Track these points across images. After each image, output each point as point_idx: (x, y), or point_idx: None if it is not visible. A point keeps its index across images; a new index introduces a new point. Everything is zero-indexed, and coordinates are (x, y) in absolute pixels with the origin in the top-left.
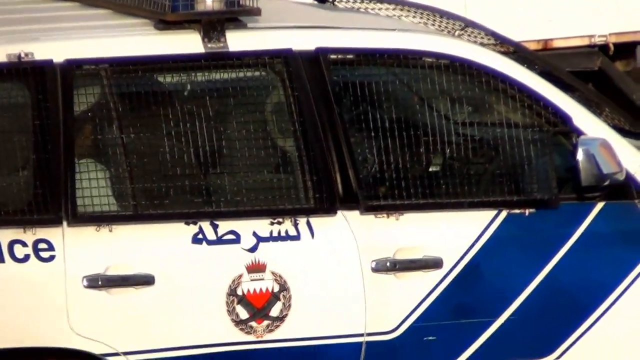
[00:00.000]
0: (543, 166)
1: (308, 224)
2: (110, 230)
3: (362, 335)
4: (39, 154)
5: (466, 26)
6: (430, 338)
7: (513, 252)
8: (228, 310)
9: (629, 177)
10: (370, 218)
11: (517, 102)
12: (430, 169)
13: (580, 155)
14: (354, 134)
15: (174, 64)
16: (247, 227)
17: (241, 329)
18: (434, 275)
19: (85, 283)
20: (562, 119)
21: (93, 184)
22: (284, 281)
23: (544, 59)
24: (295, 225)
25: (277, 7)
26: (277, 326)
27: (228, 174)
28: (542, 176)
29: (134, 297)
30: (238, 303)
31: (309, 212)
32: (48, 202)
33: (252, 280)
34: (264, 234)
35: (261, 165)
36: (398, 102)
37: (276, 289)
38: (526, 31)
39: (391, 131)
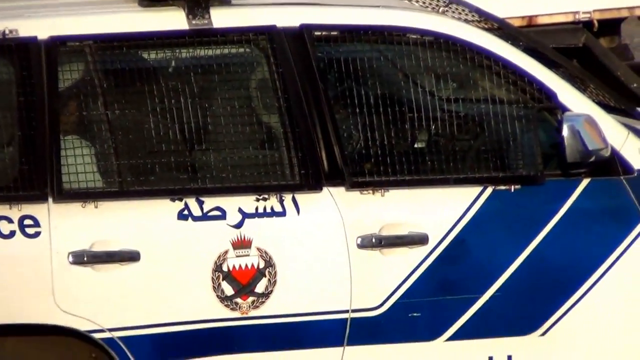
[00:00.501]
0: (528, 142)
1: (293, 200)
2: (96, 207)
3: (347, 311)
4: (24, 130)
5: (450, 3)
6: (415, 314)
7: (498, 228)
8: (213, 287)
9: (614, 153)
10: (355, 194)
11: (501, 78)
12: (416, 146)
13: (565, 132)
14: (338, 110)
15: (158, 41)
16: (232, 204)
17: (226, 305)
18: (420, 252)
19: (70, 259)
20: (546, 95)
21: (78, 161)
22: (270, 257)
23: (528, 36)
24: (281, 201)
25: None
26: (263, 302)
27: (213, 150)
28: (527, 152)
29: (120, 274)
30: (223, 279)
31: (294, 188)
32: (33, 178)
33: (237, 256)
34: (250, 210)
35: (246, 141)
36: (383, 79)
37: (262, 265)
38: (510, 8)
39: (376, 108)
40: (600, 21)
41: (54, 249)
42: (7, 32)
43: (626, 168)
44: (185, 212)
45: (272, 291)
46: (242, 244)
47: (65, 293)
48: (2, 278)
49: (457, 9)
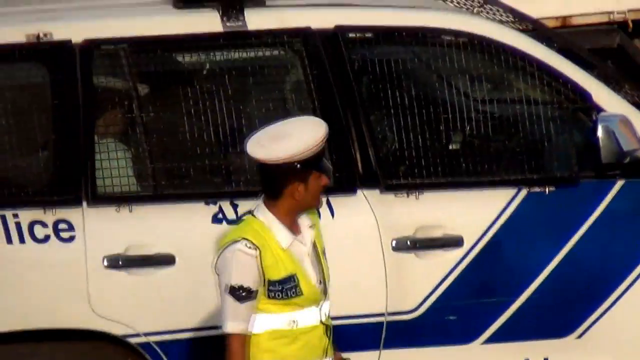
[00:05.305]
0: (563, 144)
1: (328, 203)
2: (130, 211)
3: (383, 315)
4: (58, 134)
5: (485, 3)
6: (452, 317)
7: (533, 230)
8: None
9: None
10: (390, 197)
11: (536, 79)
12: (450, 147)
13: (600, 132)
14: (373, 112)
15: (193, 43)
16: None
17: None
18: (454, 254)
19: (105, 263)
20: (581, 96)
21: (113, 164)
22: None
23: (563, 37)
24: None
25: None
26: None
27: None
28: (561, 154)
29: (155, 278)
30: None
31: (329, 191)
32: (68, 182)
33: None
34: None
35: None
36: (417, 80)
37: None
38: (545, 8)
39: (410, 109)
40: (634, 21)
41: (88, 253)
42: (41, 35)
43: None
44: (220, 215)
45: None
46: None
47: (100, 297)
48: (37, 283)
49: (491, 9)
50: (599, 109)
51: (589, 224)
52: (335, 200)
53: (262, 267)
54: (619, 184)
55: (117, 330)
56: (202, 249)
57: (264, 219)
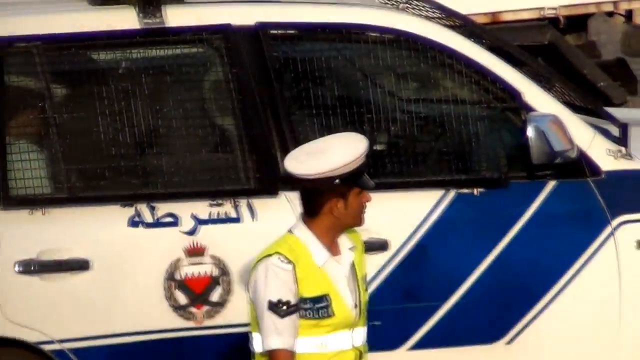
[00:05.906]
0: (492, 144)
1: (249, 205)
2: (44, 214)
3: None
4: None
5: None
6: (376, 323)
7: (462, 233)
8: (166, 296)
9: (581, 154)
10: None
11: (464, 77)
12: (375, 148)
13: (530, 132)
14: (295, 111)
15: (109, 41)
16: (185, 209)
17: (180, 315)
18: (380, 258)
19: (18, 268)
20: (511, 95)
21: (25, 166)
22: (224, 265)
23: (493, 33)
24: (236, 207)
25: None
26: (218, 312)
27: (165, 154)
28: (491, 154)
29: (69, 283)
30: (176, 288)
31: (249, 193)
32: None
33: (191, 264)
34: (204, 216)
35: (200, 145)
36: (341, 79)
37: (216, 273)
38: (474, 4)
39: (333, 108)
40: (566, 17)
41: (0, 258)
42: None
43: (593, 169)
44: (137, 218)
45: (227, 300)
46: (195, 252)
47: (12, 303)
48: None
49: (418, 5)
50: (529, 109)
51: (520, 226)
52: (257, 202)
53: (296, 282)
54: (550, 184)
55: (30, 337)
56: (118, 253)
57: (300, 235)
